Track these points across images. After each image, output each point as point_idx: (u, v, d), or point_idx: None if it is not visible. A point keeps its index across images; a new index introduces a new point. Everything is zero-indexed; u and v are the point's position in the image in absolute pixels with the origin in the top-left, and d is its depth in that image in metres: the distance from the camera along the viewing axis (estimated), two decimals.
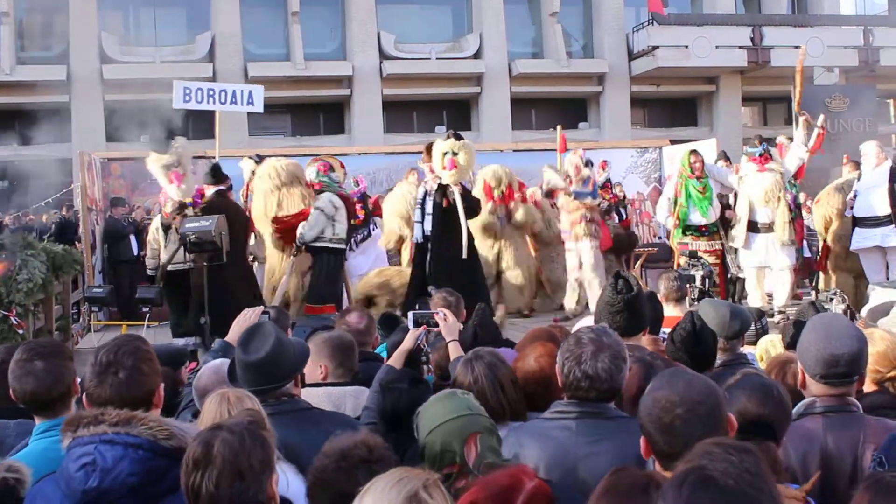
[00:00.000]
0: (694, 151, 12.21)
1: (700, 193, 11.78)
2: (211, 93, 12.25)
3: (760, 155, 11.86)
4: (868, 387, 4.23)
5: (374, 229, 13.98)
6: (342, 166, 14.35)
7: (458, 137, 11.51)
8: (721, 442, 2.35)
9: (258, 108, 12.53)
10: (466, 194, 11.48)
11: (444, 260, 11.19)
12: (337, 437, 3.13)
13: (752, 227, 11.92)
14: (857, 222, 12.16)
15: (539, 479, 2.79)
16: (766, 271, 12.13)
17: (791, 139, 13.19)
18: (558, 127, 15.42)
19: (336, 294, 11.06)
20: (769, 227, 11.83)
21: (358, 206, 13.78)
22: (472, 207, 11.45)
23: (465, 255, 11.23)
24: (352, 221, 13.29)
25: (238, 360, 4.03)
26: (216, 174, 11.28)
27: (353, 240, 13.68)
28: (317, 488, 2.97)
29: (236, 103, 12.34)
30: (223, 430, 2.79)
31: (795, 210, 12.16)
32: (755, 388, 3.24)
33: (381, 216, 14.35)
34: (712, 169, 12.25)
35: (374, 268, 13.21)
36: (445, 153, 11.30)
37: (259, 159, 12.42)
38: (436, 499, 2.37)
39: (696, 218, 11.87)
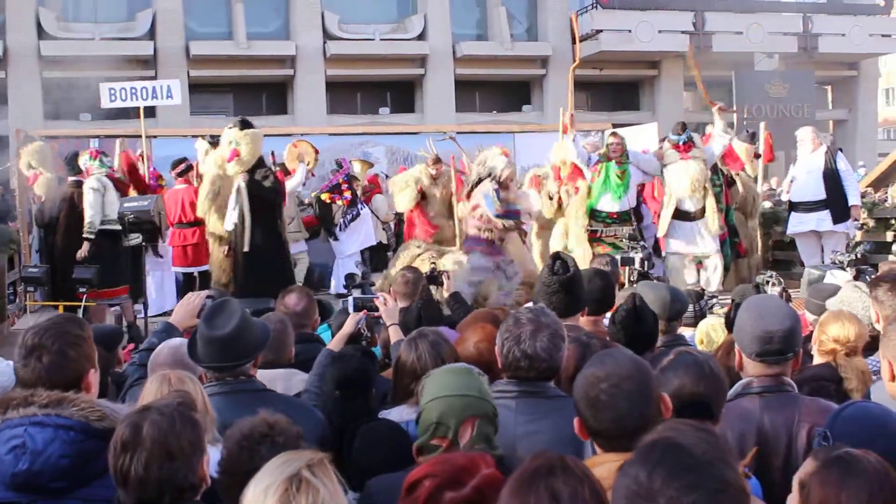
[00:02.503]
0: (614, 133, 11.72)
1: (618, 178, 11.26)
2: (133, 90, 13.15)
3: (683, 143, 11.51)
4: (817, 359, 4.37)
5: (362, 208, 14.03)
6: (316, 151, 14.44)
7: (245, 126, 11.01)
8: (685, 421, 2.42)
9: (176, 100, 13.21)
10: (256, 185, 10.87)
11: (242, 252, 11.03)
12: (238, 422, 3.09)
13: (679, 214, 11.66)
14: (793, 207, 12.34)
15: (495, 470, 2.79)
16: (691, 259, 11.88)
17: (732, 125, 13.31)
18: (560, 109, 14.97)
19: (126, 276, 10.88)
20: (697, 215, 11.57)
21: (344, 187, 13.90)
22: (262, 197, 10.95)
23: (246, 248, 10.81)
24: (339, 202, 13.70)
25: (201, 335, 4.00)
26: (72, 163, 11.64)
27: (342, 220, 13.78)
28: (226, 478, 2.91)
29: (157, 97, 13.19)
30: (152, 412, 2.76)
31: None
32: (689, 367, 3.27)
33: (380, 193, 14.61)
34: (638, 156, 11.79)
35: (362, 247, 13.54)
36: (230, 143, 10.90)
37: (213, 140, 12.39)
38: (319, 477, 2.35)
39: (607, 204, 11.31)
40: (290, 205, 13.85)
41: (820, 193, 11.93)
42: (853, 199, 11.93)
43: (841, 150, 12.91)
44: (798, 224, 12.25)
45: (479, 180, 10.40)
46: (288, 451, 2.52)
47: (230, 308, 4.06)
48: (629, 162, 11.40)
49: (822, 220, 11.94)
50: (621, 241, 10.96)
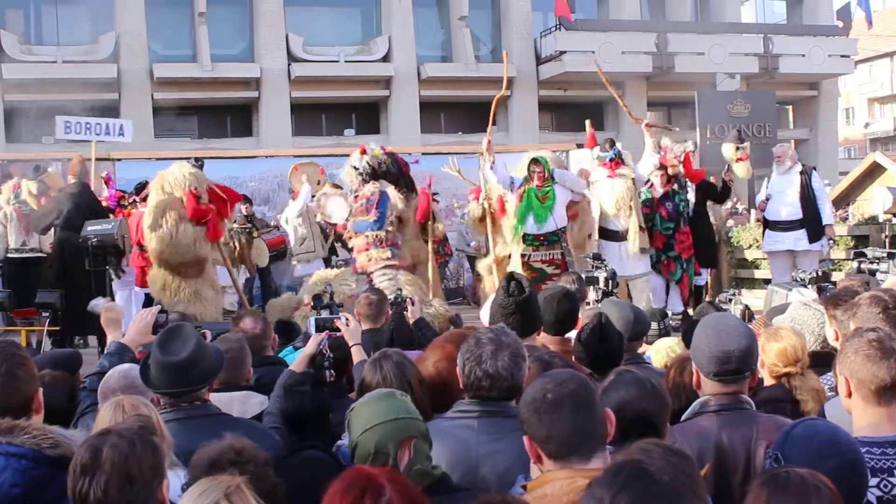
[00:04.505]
0: (535, 161, 11.08)
1: (539, 201, 10.78)
2: (88, 125, 14.02)
3: (611, 160, 11.34)
4: (767, 381, 4.36)
5: None
6: (322, 172, 14.52)
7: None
8: (659, 443, 2.41)
9: (128, 138, 13.62)
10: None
11: None
12: (205, 445, 3.09)
13: (606, 234, 11.51)
14: (769, 225, 12.32)
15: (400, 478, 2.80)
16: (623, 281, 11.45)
17: (696, 143, 13.23)
18: (587, 122, 14.62)
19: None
20: (622, 236, 11.36)
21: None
22: None
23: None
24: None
25: (155, 361, 3.96)
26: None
27: None
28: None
29: (109, 134, 14.25)
30: (112, 435, 2.74)
31: (678, 220, 11.85)
32: (629, 385, 3.30)
33: None
34: (563, 175, 11.38)
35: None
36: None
37: (199, 163, 12.42)
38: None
39: (531, 227, 10.84)
40: (303, 224, 13.85)
41: (797, 213, 11.94)
42: (827, 219, 11.98)
43: (815, 168, 12.86)
44: (774, 242, 12.22)
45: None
46: (207, 478, 2.51)
47: (184, 333, 4.03)
48: (554, 183, 10.94)
49: (798, 239, 11.93)
50: (549, 266, 10.71)
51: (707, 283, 13.18)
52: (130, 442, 2.72)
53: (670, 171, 11.90)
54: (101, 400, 4.09)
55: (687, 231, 11.94)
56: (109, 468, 2.65)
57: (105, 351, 4.82)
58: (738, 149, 12.60)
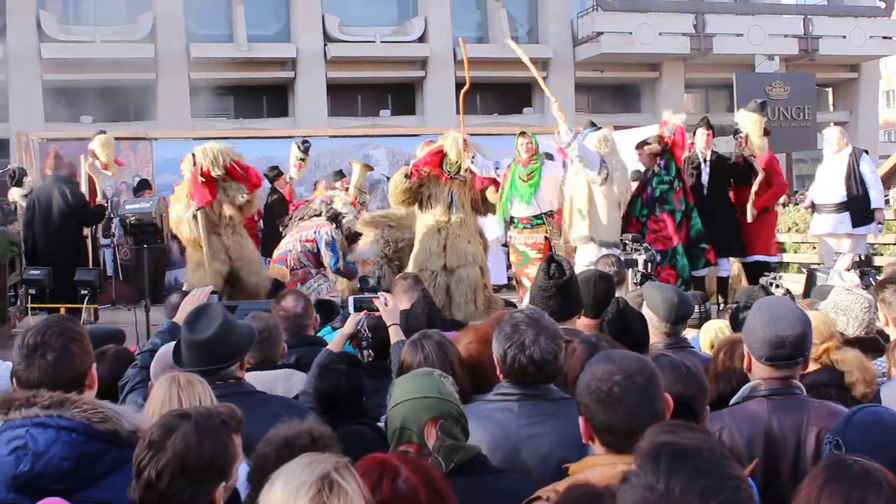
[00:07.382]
0: (523, 133, 10.60)
1: (523, 180, 10.26)
2: None
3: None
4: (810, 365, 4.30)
5: None
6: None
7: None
8: (676, 423, 2.37)
9: None
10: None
11: None
12: (283, 424, 3.07)
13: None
14: (816, 208, 12.07)
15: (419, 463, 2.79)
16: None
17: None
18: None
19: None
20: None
21: None
22: None
23: None
24: None
25: (183, 339, 3.98)
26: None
27: None
28: (257, 474, 2.88)
29: None
30: (189, 421, 2.68)
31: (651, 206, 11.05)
32: (664, 369, 3.22)
33: None
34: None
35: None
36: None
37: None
38: (347, 479, 2.33)
39: (519, 209, 10.36)
40: None
41: (840, 196, 11.66)
42: (876, 203, 11.71)
43: (866, 152, 12.47)
44: (819, 226, 12.06)
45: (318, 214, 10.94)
46: (310, 453, 2.49)
47: (211, 312, 4.03)
48: (542, 162, 10.43)
49: (840, 222, 11.64)
50: (532, 249, 10.31)
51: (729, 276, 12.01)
52: (201, 434, 2.66)
53: (646, 149, 11.19)
54: (157, 373, 4.11)
55: (663, 219, 11.05)
56: (170, 455, 2.61)
57: (158, 329, 4.84)
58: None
